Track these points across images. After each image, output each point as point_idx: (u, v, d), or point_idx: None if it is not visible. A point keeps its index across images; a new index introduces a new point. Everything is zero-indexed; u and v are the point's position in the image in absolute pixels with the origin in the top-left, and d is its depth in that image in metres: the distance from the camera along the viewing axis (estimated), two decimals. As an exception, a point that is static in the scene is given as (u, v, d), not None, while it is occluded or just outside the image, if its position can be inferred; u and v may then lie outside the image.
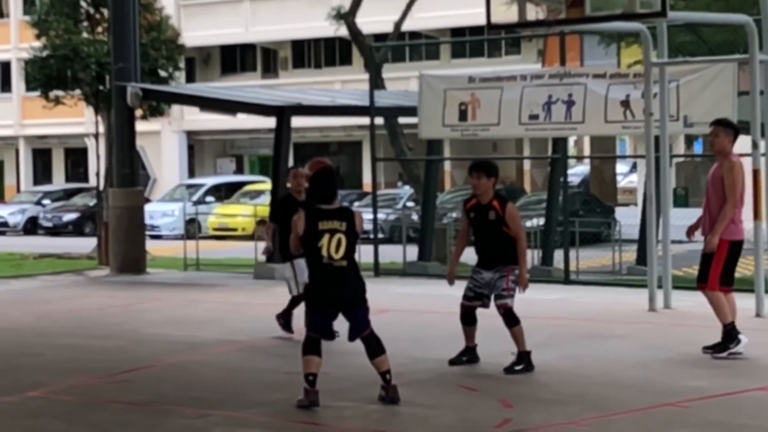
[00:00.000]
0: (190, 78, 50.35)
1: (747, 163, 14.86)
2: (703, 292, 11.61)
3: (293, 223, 9.70)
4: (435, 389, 10.37)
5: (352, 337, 9.73)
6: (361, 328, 9.64)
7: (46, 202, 44.47)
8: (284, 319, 13.33)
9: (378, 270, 20.24)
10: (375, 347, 9.63)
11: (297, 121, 23.86)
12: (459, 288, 16.83)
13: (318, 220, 9.55)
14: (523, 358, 10.99)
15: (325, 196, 9.66)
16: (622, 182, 49.27)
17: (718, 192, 11.56)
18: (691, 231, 12.17)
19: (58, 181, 53.97)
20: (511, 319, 11.05)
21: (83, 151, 52.05)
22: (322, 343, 9.59)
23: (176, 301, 17.31)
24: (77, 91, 26.55)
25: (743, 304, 14.83)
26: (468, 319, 11.33)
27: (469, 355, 11.40)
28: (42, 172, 56.16)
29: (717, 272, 11.49)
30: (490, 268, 11.09)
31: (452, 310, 14.81)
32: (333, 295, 9.55)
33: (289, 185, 14.07)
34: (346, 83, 44.69)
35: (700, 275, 11.65)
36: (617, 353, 11.98)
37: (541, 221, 22.24)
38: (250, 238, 27.82)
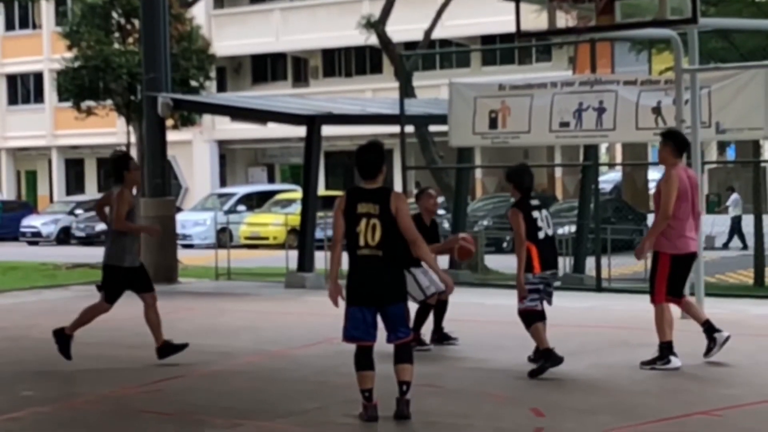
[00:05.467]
0: (221, 87, 50.56)
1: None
2: (652, 305, 11.55)
3: (334, 212, 9.30)
4: (466, 398, 10.34)
5: (389, 339, 9.27)
6: (399, 331, 9.19)
7: (78, 211, 44.68)
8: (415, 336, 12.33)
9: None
10: (404, 355, 9.26)
11: (327, 130, 23.90)
12: (489, 296, 16.85)
13: (357, 201, 9.15)
14: (543, 355, 11.08)
15: (367, 170, 9.21)
16: (655, 189, 49.07)
17: (657, 205, 11.55)
18: None
19: (91, 190, 54.23)
20: (524, 320, 11.22)
21: (115, 161, 52.24)
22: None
23: (208, 310, 17.34)
24: (109, 102, 26.76)
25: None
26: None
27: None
28: (75, 182, 56.45)
29: (661, 285, 11.41)
30: None
31: (483, 319, 14.84)
32: (367, 288, 9.15)
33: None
34: (377, 92, 44.77)
35: (650, 289, 11.61)
36: (650, 361, 11.91)
37: (573, 228, 22.19)
38: (282, 247, 27.87)
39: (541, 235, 11.29)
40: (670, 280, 11.41)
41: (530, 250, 11.16)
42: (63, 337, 12.37)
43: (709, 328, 11.68)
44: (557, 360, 11.08)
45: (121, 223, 11.98)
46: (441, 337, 13.00)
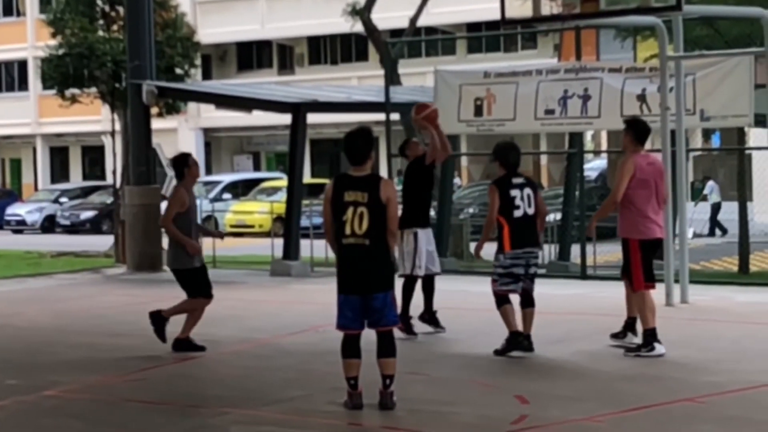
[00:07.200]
0: (207, 75, 50.43)
1: (764, 156, 14.82)
2: (633, 293, 11.63)
3: (323, 203, 9.32)
4: (451, 385, 10.36)
5: (371, 325, 9.25)
6: (383, 318, 9.17)
7: (63, 200, 44.57)
8: (403, 323, 12.29)
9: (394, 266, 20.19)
10: (387, 347, 9.25)
11: (313, 118, 23.83)
12: (475, 283, 16.84)
13: (344, 189, 9.14)
14: (508, 337, 11.40)
15: (356, 156, 9.19)
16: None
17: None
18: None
19: (76, 179, 54.10)
20: (496, 301, 11.53)
21: (100, 149, 52.19)
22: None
23: (193, 298, 17.30)
24: (93, 89, 26.62)
25: (761, 298, 14.80)
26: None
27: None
28: (59, 170, 56.30)
29: (638, 272, 11.50)
30: None
31: (468, 306, 14.84)
32: (354, 277, 9.14)
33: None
34: (363, 79, 44.69)
35: (627, 278, 11.72)
36: (634, 348, 11.93)
37: (558, 216, 22.20)
38: (267, 235, 27.84)
39: (517, 213, 11.38)
40: (644, 265, 11.47)
41: (503, 228, 11.33)
42: (159, 320, 12.28)
43: (632, 325, 11.87)
44: (519, 346, 11.37)
45: (166, 222, 12.05)
46: (432, 317, 12.98)
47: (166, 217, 12.08)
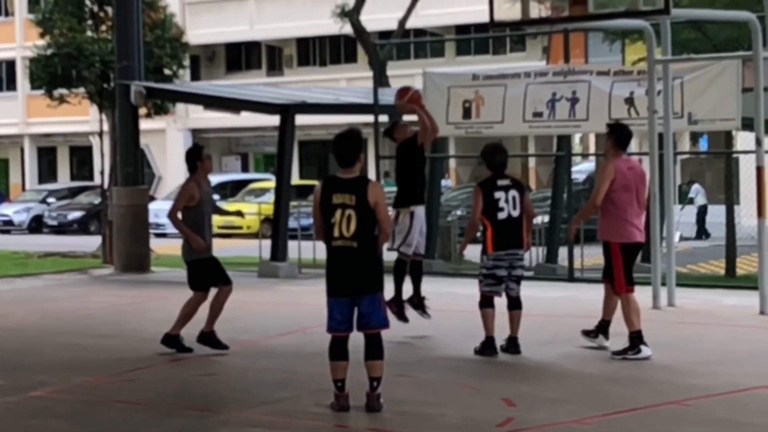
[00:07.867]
0: (195, 76, 50.38)
1: (752, 160, 14.86)
2: (617, 296, 11.66)
3: (313, 207, 9.36)
4: (438, 387, 10.37)
5: (359, 327, 9.25)
6: (371, 320, 9.17)
7: (51, 200, 44.49)
8: (396, 306, 12.70)
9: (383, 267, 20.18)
10: (375, 349, 9.24)
11: (302, 119, 23.81)
12: (462, 285, 16.86)
13: (332, 192, 9.14)
14: (483, 341, 11.56)
15: (345, 158, 9.17)
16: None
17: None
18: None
19: (63, 179, 53.99)
20: (479, 301, 11.68)
21: (88, 150, 52.08)
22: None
23: (181, 299, 17.19)
24: (81, 90, 26.56)
25: (748, 301, 14.83)
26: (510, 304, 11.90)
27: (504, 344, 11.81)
28: (47, 170, 56.19)
29: (620, 275, 11.55)
30: None
31: (455, 308, 14.84)
32: (342, 279, 9.15)
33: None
34: (351, 81, 44.69)
35: (609, 280, 11.77)
36: (621, 351, 11.96)
37: (546, 218, 22.23)
38: (255, 236, 27.82)
39: (501, 215, 11.43)
40: (626, 267, 11.52)
41: (486, 230, 11.39)
42: (208, 338, 12.19)
43: (605, 328, 11.88)
44: (492, 352, 11.50)
45: (172, 215, 12.09)
46: (420, 303, 13.05)
47: (172, 210, 12.12)
